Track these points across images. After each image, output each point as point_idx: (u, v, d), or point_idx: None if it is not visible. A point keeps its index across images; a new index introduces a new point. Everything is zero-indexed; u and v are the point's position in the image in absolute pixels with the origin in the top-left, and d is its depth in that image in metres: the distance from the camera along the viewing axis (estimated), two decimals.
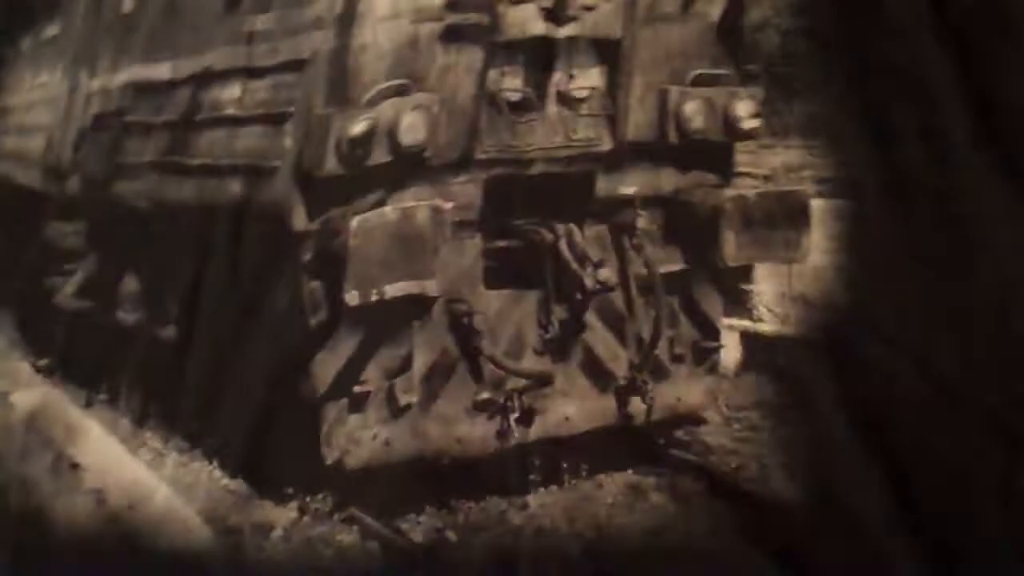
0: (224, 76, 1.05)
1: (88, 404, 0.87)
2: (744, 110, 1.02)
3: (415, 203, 0.91)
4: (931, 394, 0.75)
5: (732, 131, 1.00)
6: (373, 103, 0.96)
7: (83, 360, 0.90)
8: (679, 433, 0.77)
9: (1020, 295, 0.78)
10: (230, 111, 1.04)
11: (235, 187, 0.96)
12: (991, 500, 0.72)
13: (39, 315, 0.97)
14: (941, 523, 0.68)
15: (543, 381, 0.82)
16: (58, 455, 0.78)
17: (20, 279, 1.00)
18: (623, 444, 0.76)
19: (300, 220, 0.93)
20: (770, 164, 0.98)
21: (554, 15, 1.00)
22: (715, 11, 1.05)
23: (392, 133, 0.96)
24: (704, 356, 0.87)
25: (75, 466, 0.78)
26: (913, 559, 0.66)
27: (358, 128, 0.96)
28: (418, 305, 0.85)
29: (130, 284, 0.97)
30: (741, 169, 1.00)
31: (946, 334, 0.77)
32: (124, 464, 0.78)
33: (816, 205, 0.92)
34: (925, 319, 0.78)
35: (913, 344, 0.76)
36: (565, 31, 0.99)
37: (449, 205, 0.92)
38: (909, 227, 0.81)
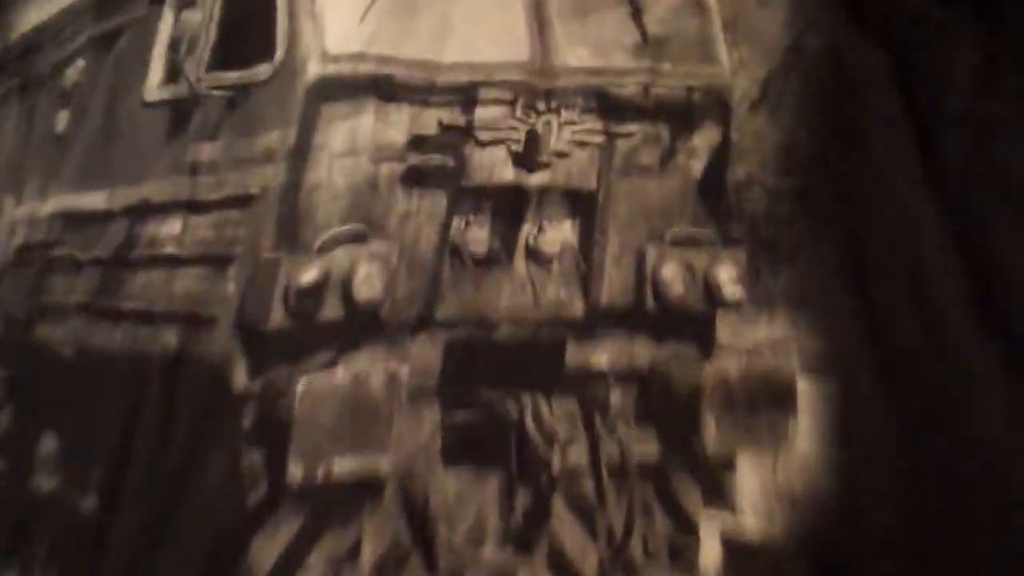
0: (163, 209, 0.99)
1: None
2: (726, 275, 0.98)
3: (368, 366, 0.85)
4: None
5: (713, 299, 0.96)
6: (325, 249, 0.90)
7: None
8: None
9: (1020, 496, 0.73)
10: (168, 249, 0.97)
11: (170, 337, 0.89)
12: None
13: None
14: None
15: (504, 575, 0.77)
16: None
17: None
18: None
19: (240, 379, 0.85)
20: (753, 337, 0.93)
21: (525, 161, 0.95)
22: (697, 165, 1.01)
23: (346, 285, 0.89)
24: (679, 553, 0.82)
25: None
26: None
27: (308, 277, 0.89)
28: (369, 484, 0.78)
29: (48, 444, 0.90)
30: (722, 342, 0.95)
31: (944, 537, 0.72)
32: None
33: (803, 386, 0.88)
34: (919, 519, 0.73)
35: (909, 547, 0.71)
36: (536, 179, 0.94)
37: (405, 369, 0.86)
38: (900, 417, 0.76)
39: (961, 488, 0.71)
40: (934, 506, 0.70)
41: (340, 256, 0.84)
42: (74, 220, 0.93)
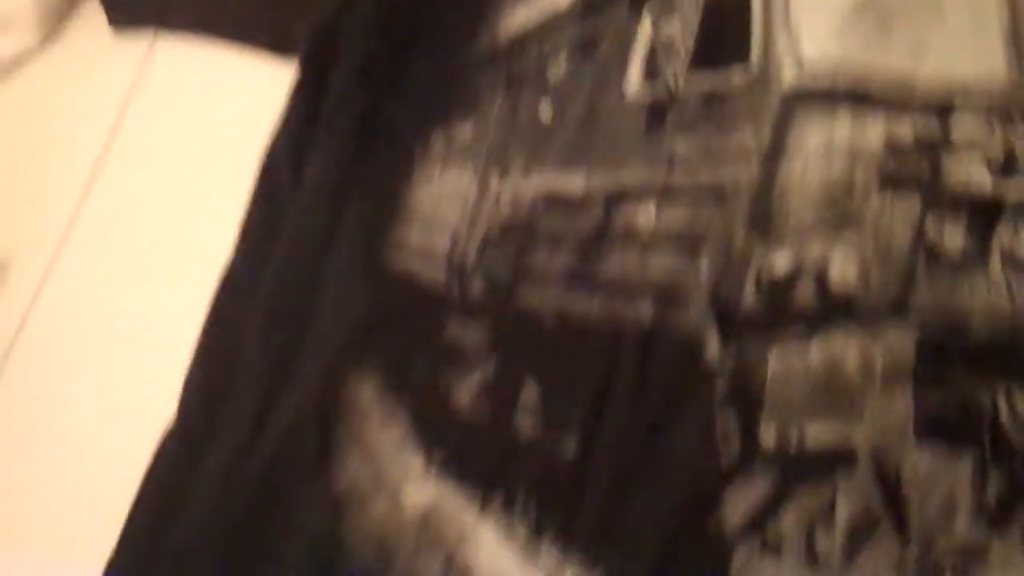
0: (639, 195, 1.03)
1: (483, 508, 0.83)
2: None
3: (842, 346, 0.85)
4: None
5: None
6: (799, 241, 0.91)
7: (478, 463, 0.87)
8: None
9: None
10: (643, 232, 1.01)
11: (645, 310, 0.93)
12: None
13: (434, 413, 0.95)
14: None
15: (977, 553, 0.74)
16: (450, 556, 0.76)
17: (417, 375, 0.98)
18: None
19: (713, 350, 0.88)
20: None
21: (1001, 173, 0.93)
22: None
23: (819, 275, 0.90)
24: None
25: (467, 569, 0.75)
26: None
27: (781, 267, 0.91)
28: (842, 453, 0.78)
29: (530, 392, 0.95)
30: None
31: None
32: (519, 574, 0.75)
33: None
34: None
35: None
36: (1012, 190, 0.92)
37: (879, 352, 0.86)
38: None
39: None
40: None
41: (813, 248, 0.87)
42: (555, 201, 0.98)
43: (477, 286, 0.94)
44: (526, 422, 0.84)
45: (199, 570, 0.83)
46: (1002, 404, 0.76)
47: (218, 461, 0.87)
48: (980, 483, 0.74)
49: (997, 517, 0.72)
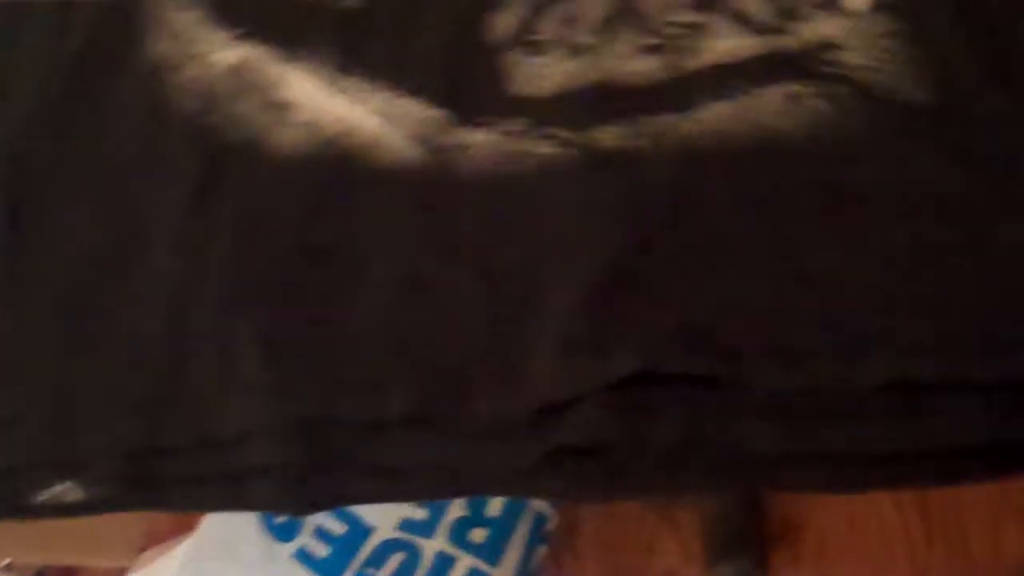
0: None
1: (288, 60, 0.89)
2: None
3: None
4: None
5: None
6: None
7: (276, 27, 0.92)
8: (825, 55, 0.84)
9: None
10: None
11: None
12: None
13: None
14: None
15: (698, 27, 0.88)
16: (266, 95, 0.84)
17: None
18: (777, 65, 0.83)
19: None
20: None
21: None
22: None
23: None
24: (833, 7, 0.92)
25: (285, 103, 0.84)
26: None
27: None
28: None
29: None
30: None
31: None
32: (333, 100, 0.85)
33: None
34: None
35: None
36: None
37: None
38: None
39: None
40: None
41: None
42: None
43: None
44: None
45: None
46: None
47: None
48: None
49: (709, 7, 0.90)
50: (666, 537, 1.54)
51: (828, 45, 0.85)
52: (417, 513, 1.19)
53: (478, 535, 1.22)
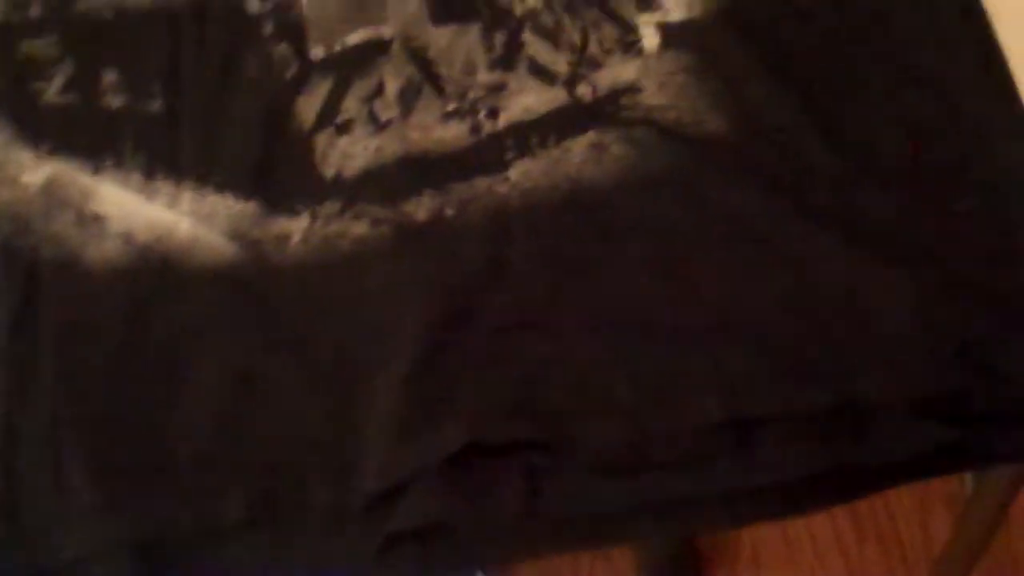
0: None
1: (96, 171, 0.88)
2: None
3: None
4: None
5: None
6: None
7: (81, 140, 0.92)
8: (623, 101, 0.84)
9: None
10: None
11: None
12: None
13: (29, 115, 0.98)
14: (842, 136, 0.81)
15: (499, 87, 0.89)
16: (79, 210, 0.84)
17: (3, 84, 1.01)
18: (579, 116, 0.83)
19: (254, 5, 0.99)
20: None
21: None
22: None
23: None
24: (629, 47, 0.93)
25: (98, 217, 0.83)
26: (831, 163, 0.79)
27: None
28: (378, 45, 0.93)
29: (111, 77, 1.00)
30: None
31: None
32: (144, 208, 0.84)
33: None
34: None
35: None
36: None
37: None
38: None
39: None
40: None
41: None
42: None
43: (35, 8, 1.02)
44: (115, 100, 0.95)
45: None
46: None
47: None
48: (489, 42, 0.92)
49: (506, 61, 0.91)
50: (600, 567, 1.54)
51: (625, 89, 0.85)
52: None
53: None
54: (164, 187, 0.89)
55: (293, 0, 0.94)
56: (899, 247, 0.74)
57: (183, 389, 0.81)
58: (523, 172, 0.81)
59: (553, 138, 0.82)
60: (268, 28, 0.93)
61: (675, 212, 0.77)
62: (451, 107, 0.86)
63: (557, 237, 0.77)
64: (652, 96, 0.82)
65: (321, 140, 0.88)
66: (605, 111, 0.82)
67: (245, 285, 0.82)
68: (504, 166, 0.82)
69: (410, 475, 0.73)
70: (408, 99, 0.87)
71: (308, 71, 0.91)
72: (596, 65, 0.85)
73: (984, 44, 0.83)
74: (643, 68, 0.84)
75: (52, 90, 0.96)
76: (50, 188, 0.90)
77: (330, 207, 0.83)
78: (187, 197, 0.86)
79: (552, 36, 0.87)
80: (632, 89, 0.83)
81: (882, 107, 0.81)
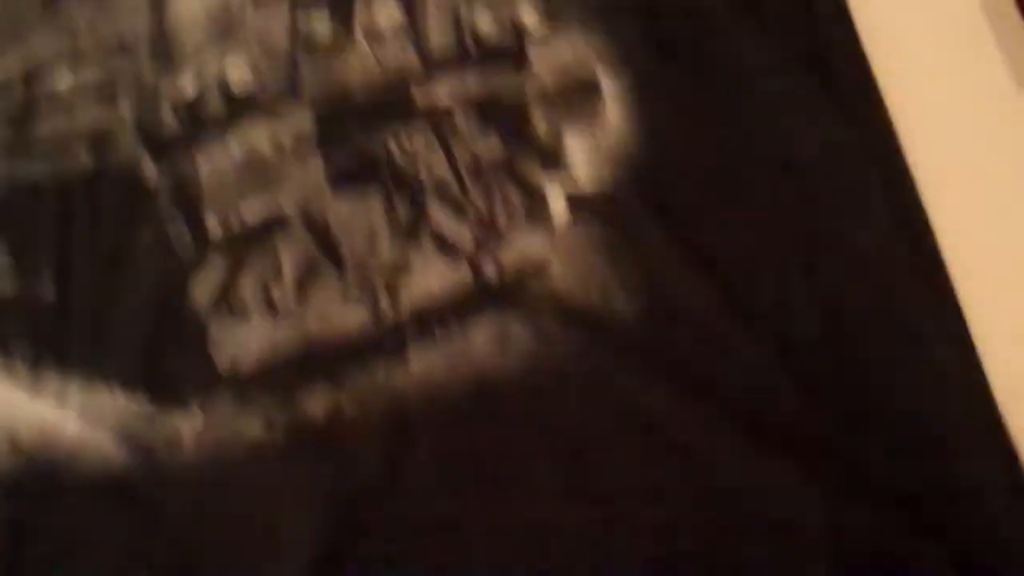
0: (52, 65, 1.07)
1: None
2: (529, 17, 1.07)
3: (254, 136, 0.96)
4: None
5: (521, 36, 1.06)
6: (198, 62, 1.01)
7: None
8: (530, 283, 0.81)
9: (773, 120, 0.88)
10: (64, 94, 1.06)
11: (84, 158, 0.99)
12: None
13: None
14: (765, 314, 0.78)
15: (401, 265, 0.86)
16: None
17: None
18: (483, 299, 0.80)
19: (150, 174, 0.96)
20: (560, 57, 1.00)
21: None
22: None
23: (221, 85, 1.01)
24: (535, 217, 0.91)
25: None
26: (746, 342, 0.75)
27: (188, 87, 1.00)
28: (276, 220, 0.89)
29: (1, 260, 0.98)
30: (535, 64, 1.05)
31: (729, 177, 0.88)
32: (30, 407, 0.80)
33: (605, 80, 0.98)
34: (701, 155, 0.88)
35: (697, 178, 0.86)
36: None
37: (286, 131, 0.97)
38: (674, 92, 0.91)
39: (740, 132, 0.85)
40: (720, 148, 0.84)
41: (210, 64, 0.98)
42: None
43: None
44: (3, 285, 0.91)
45: None
46: (393, 147, 0.91)
47: None
48: (391, 213, 0.88)
49: (410, 234, 0.87)
50: None
51: (531, 267, 0.82)
52: None
53: None
54: (51, 381, 0.84)
55: (191, 170, 0.90)
56: (806, 443, 0.71)
57: None
58: (425, 364, 0.77)
59: (456, 325, 0.78)
60: (164, 201, 0.89)
61: (582, 409, 0.73)
62: (351, 288, 0.82)
63: (459, 437, 0.73)
64: (560, 277, 0.78)
65: (215, 326, 0.84)
66: (511, 293, 0.78)
67: (132, 496, 0.77)
68: (405, 356, 0.78)
69: None
70: (306, 282, 0.83)
71: (204, 249, 0.87)
72: (502, 237, 0.82)
73: (913, 223, 0.80)
74: (551, 242, 0.80)
75: None
76: None
77: (223, 403, 0.79)
78: (75, 391, 0.82)
79: (457, 205, 0.84)
80: (539, 268, 0.79)
81: (802, 288, 0.77)
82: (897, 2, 0.86)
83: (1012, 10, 0.75)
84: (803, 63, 0.87)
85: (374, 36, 0.96)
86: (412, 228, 0.86)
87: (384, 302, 0.83)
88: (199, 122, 0.94)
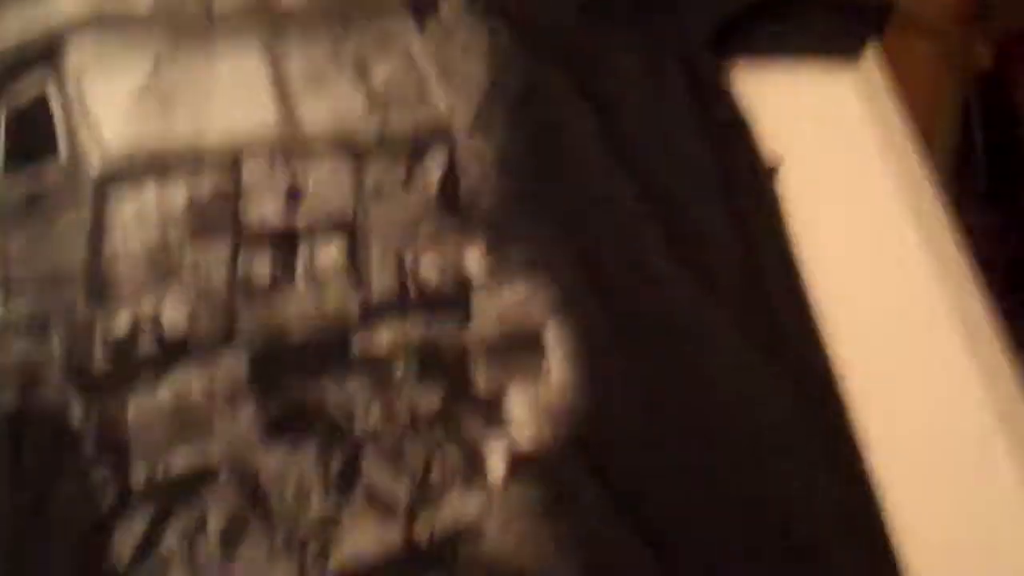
0: None
1: None
2: (474, 262, 1.07)
3: (185, 381, 0.93)
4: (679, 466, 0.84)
5: (464, 280, 1.05)
6: (133, 301, 0.99)
7: None
8: (462, 549, 0.78)
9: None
10: None
11: (8, 395, 0.96)
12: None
13: None
14: None
15: (332, 522, 0.83)
16: None
17: None
18: (415, 566, 0.77)
19: (77, 416, 0.93)
20: (502, 303, 1.00)
21: (289, 206, 1.05)
22: (434, 182, 1.11)
23: (155, 327, 0.99)
24: (473, 475, 0.88)
25: None
26: None
27: (121, 326, 0.98)
28: (204, 472, 0.86)
29: None
30: (478, 311, 1.05)
31: (680, 434, 0.87)
32: None
33: (550, 329, 0.98)
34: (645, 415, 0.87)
35: (651, 442, 0.86)
36: (302, 218, 1.04)
37: (219, 377, 0.95)
38: (622, 342, 0.91)
39: (684, 393, 0.85)
40: (664, 408, 0.83)
41: (146, 304, 0.96)
42: None
43: None
44: None
45: None
46: (329, 396, 0.88)
47: None
48: (324, 465, 0.85)
49: (342, 488, 0.84)
50: None
51: (465, 529, 0.79)
52: None
53: None
54: None
55: (119, 413, 0.87)
56: None
57: None
58: None
59: None
60: (88, 446, 0.86)
61: None
62: (279, 544, 0.79)
63: None
64: (494, 542, 0.76)
65: None
66: (441, 557, 0.75)
67: None
68: None
69: None
70: (232, 537, 0.80)
71: (127, 500, 0.84)
72: (436, 497, 0.79)
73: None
74: (487, 505, 0.78)
75: None
76: None
77: None
78: None
79: (393, 459, 0.81)
80: (473, 532, 0.76)
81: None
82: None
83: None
84: (751, 329, 0.87)
85: (315, 278, 0.94)
86: (345, 482, 0.84)
87: (310, 560, 0.80)
88: (131, 363, 0.92)
